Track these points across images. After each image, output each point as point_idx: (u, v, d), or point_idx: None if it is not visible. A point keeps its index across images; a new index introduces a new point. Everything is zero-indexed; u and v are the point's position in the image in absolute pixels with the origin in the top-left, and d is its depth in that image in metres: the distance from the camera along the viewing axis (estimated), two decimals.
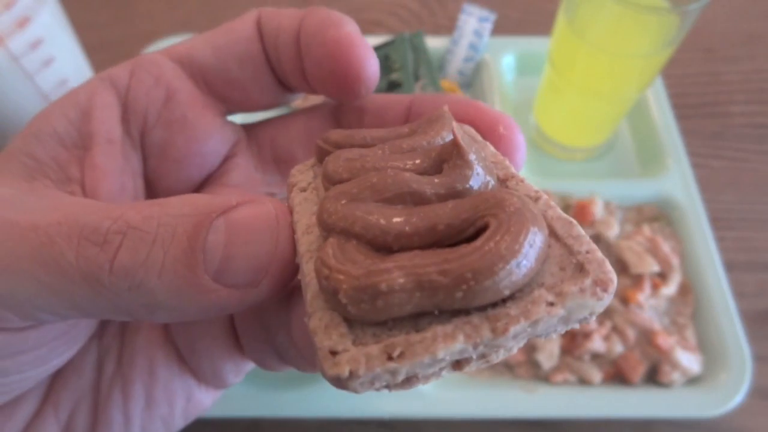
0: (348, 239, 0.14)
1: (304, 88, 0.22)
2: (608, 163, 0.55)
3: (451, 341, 0.13)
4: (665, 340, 0.41)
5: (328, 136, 0.18)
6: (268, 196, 0.17)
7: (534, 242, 0.13)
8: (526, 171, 0.52)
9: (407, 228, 0.14)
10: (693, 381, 0.42)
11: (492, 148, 0.19)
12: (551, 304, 0.13)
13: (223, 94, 0.22)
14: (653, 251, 0.45)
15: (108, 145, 0.20)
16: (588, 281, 0.14)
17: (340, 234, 0.14)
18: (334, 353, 0.13)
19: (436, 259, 0.13)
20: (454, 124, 0.18)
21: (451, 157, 0.16)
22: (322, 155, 0.19)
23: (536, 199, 0.16)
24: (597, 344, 0.41)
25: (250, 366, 0.22)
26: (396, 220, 0.14)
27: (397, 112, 0.21)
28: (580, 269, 0.14)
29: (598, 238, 0.47)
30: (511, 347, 0.14)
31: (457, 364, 0.15)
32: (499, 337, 0.13)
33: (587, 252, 0.14)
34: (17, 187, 0.18)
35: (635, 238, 0.46)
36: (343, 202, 0.15)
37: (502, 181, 0.17)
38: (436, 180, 0.15)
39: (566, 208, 0.49)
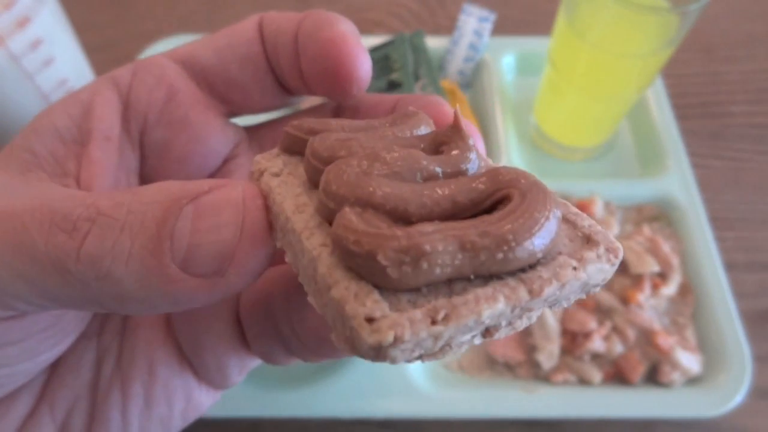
0: (364, 209, 0.14)
1: (302, 90, 0.22)
2: (608, 163, 0.55)
3: (494, 302, 0.13)
4: (665, 340, 0.41)
5: (301, 123, 0.18)
6: (243, 181, 0.16)
7: (556, 211, 0.14)
8: (527, 170, 0.52)
9: (427, 199, 0.14)
10: (693, 381, 0.42)
11: None
12: (575, 268, 0.14)
13: (224, 95, 0.22)
14: (653, 251, 0.45)
15: (105, 141, 0.20)
16: (602, 249, 0.15)
17: (355, 204, 0.14)
18: (371, 320, 0.13)
19: (472, 224, 0.14)
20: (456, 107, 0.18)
21: (450, 140, 0.16)
22: (292, 143, 0.18)
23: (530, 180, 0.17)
24: (597, 344, 0.41)
25: (254, 363, 0.22)
26: (415, 191, 0.14)
27: (384, 111, 0.21)
28: (588, 240, 0.15)
29: None
30: (534, 315, 0.15)
31: (488, 331, 0.15)
32: (535, 298, 0.14)
33: (590, 225, 0.15)
34: (10, 178, 0.18)
35: (635, 238, 0.46)
36: (353, 172, 0.14)
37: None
38: (443, 158, 0.15)
39: None
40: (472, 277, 0.14)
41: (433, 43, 0.59)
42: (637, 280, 0.44)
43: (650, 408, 0.40)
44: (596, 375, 0.41)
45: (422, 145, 0.16)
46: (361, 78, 0.20)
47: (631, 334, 0.42)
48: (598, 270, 0.15)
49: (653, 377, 0.42)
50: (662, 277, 0.45)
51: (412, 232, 0.13)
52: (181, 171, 0.22)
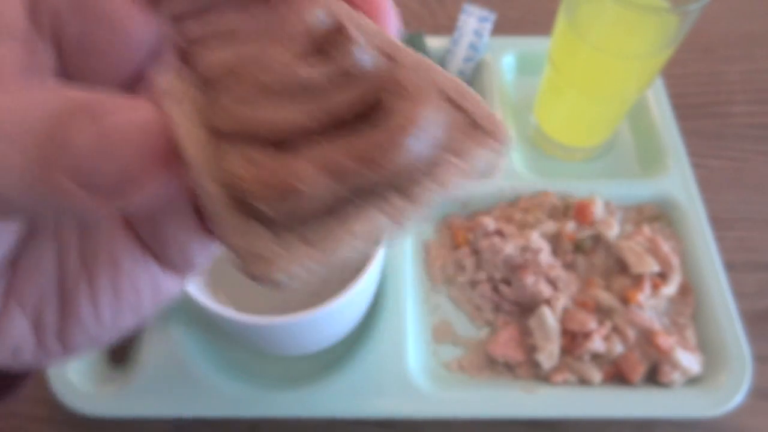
0: (247, 143, 0.14)
1: None
2: (608, 163, 0.55)
3: (373, 220, 0.14)
4: (665, 340, 0.41)
5: (186, 32, 0.17)
6: (147, 102, 0.15)
7: (437, 114, 0.14)
8: (526, 171, 0.52)
9: (306, 118, 0.14)
10: (693, 381, 0.42)
11: (368, 19, 0.18)
12: (458, 166, 0.14)
13: None
14: (653, 251, 0.45)
15: (10, 40, 0.18)
16: (483, 135, 0.14)
17: (236, 138, 0.14)
18: (256, 254, 0.14)
19: (346, 145, 0.14)
20: None
21: (334, 37, 0.15)
22: (184, 56, 0.17)
23: (424, 66, 0.16)
24: (597, 344, 0.41)
25: (218, 247, 0.21)
26: (292, 112, 0.14)
27: None
28: (475, 126, 0.14)
29: (598, 238, 0.47)
30: (426, 212, 0.15)
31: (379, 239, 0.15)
32: (416, 206, 0.14)
33: (479, 108, 0.15)
34: None
35: (635, 238, 0.46)
36: (232, 104, 0.14)
37: (387, 54, 0.16)
38: (323, 65, 0.15)
39: (566, 208, 0.49)
40: (353, 199, 0.14)
41: (433, 43, 0.59)
42: (637, 280, 0.44)
43: (650, 408, 0.40)
44: (596, 375, 0.41)
45: (307, 49, 0.15)
46: None
47: (631, 334, 0.42)
48: (486, 163, 0.14)
49: (653, 377, 0.42)
50: (662, 277, 0.45)
51: (283, 166, 0.13)
52: (107, 68, 0.20)
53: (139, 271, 0.20)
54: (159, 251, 0.20)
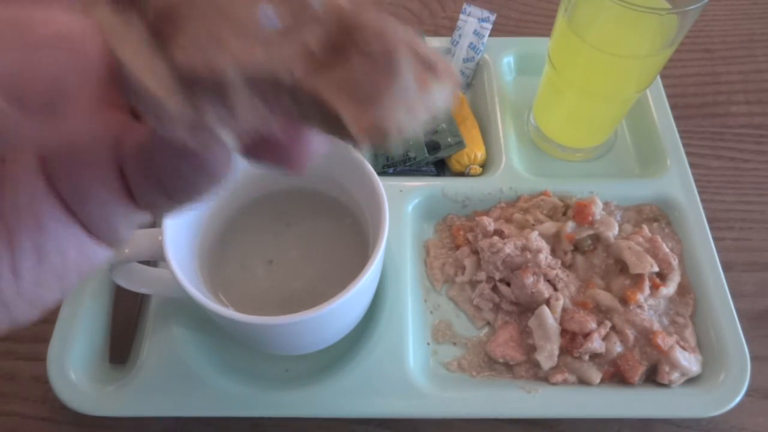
0: (225, 83, 0.14)
1: None
2: (608, 163, 0.55)
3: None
4: (664, 340, 0.42)
5: None
6: (80, 16, 0.14)
7: (401, 45, 0.15)
8: (526, 171, 0.52)
9: (281, 62, 0.14)
10: (692, 381, 0.42)
11: None
12: (424, 101, 0.15)
13: None
14: (653, 251, 0.45)
15: None
16: (441, 73, 0.15)
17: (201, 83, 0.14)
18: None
19: (337, 81, 0.14)
20: None
21: None
22: None
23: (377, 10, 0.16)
24: (596, 344, 0.41)
25: (143, 218, 0.20)
26: (267, 49, 0.14)
27: None
28: (429, 66, 0.15)
29: (597, 238, 0.47)
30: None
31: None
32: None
33: (429, 49, 0.16)
34: None
35: (635, 238, 0.46)
36: (191, 44, 0.14)
37: None
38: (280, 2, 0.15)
39: (566, 208, 0.49)
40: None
41: (433, 43, 0.59)
42: (637, 280, 0.44)
43: (650, 408, 0.40)
44: (596, 375, 0.41)
45: None
46: None
47: (630, 334, 0.42)
48: (442, 97, 0.15)
49: (652, 377, 0.42)
50: (661, 277, 0.45)
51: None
52: None
53: (64, 233, 0.18)
54: (83, 213, 0.19)
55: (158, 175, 0.18)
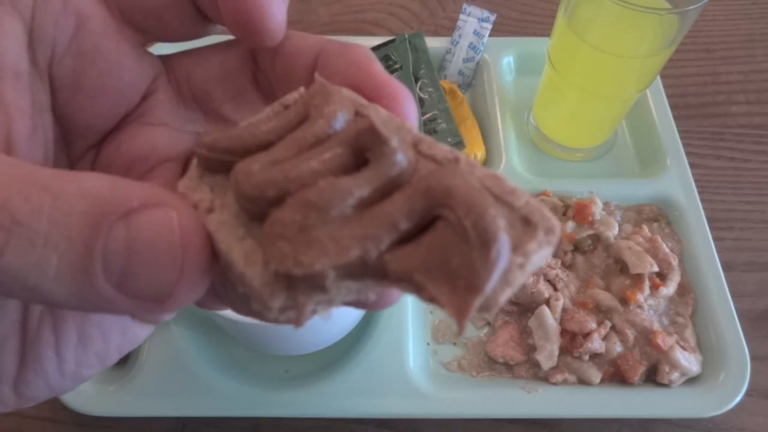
0: (322, 278, 0.14)
1: (221, 20, 0.20)
2: (608, 163, 0.55)
3: None
4: (664, 340, 0.42)
5: (212, 142, 0.17)
6: (175, 198, 0.15)
7: (494, 216, 0.14)
8: (526, 171, 0.52)
9: (373, 245, 0.14)
10: (692, 381, 0.42)
11: (383, 110, 0.17)
12: (521, 266, 0.14)
13: (139, 23, 0.20)
14: (653, 251, 0.45)
15: (15, 79, 0.17)
16: (540, 233, 0.14)
17: (310, 278, 0.14)
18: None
19: (434, 268, 0.14)
20: (362, 102, 0.17)
21: (371, 144, 0.15)
22: (210, 164, 0.17)
23: (457, 161, 0.16)
24: (596, 344, 0.41)
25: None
26: (357, 236, 0.14)
27: (306, 61, 0.20)
28: (527, 222, 0.14)
29: (598, 238, 0.47)
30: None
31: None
32: (493, 308, 0.14)
33: (526, 203, 0.14)
34: None
35: (635, 238, 0.46)
36: (290, 239, 0.14)
37: (414, 147, 0.16)
38: (368, 174, 0.15)
39: (566, 208, 0.49)
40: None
41: (433, 43, 0.59)
42: (637, 280, 0.44)
43: (649, 408, 0.40)
44: (596, 375, 0.41)
45: (345, 158, 0.15)
46: (273, 29, 0.18)
47: (630, 334, 0.42)
48: (540, 257, 0.14)
49: (652, 377, 0.42)
50: (661, 277, 0.45)
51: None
52: (95, 106, 0.20)
53: (108, 318, 0.19)
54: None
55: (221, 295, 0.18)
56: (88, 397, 0.40)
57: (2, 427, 0.43)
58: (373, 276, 0.14)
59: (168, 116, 0.21)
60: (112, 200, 0.14)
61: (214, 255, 0.15)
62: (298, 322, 0.14)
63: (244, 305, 0.16)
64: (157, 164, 0.20)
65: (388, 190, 0.15)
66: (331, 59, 0.19)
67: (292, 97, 0.18)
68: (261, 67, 0.21)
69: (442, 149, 0.16)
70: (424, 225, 0.14)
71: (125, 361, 0.43)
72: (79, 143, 0.20)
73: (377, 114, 0.17)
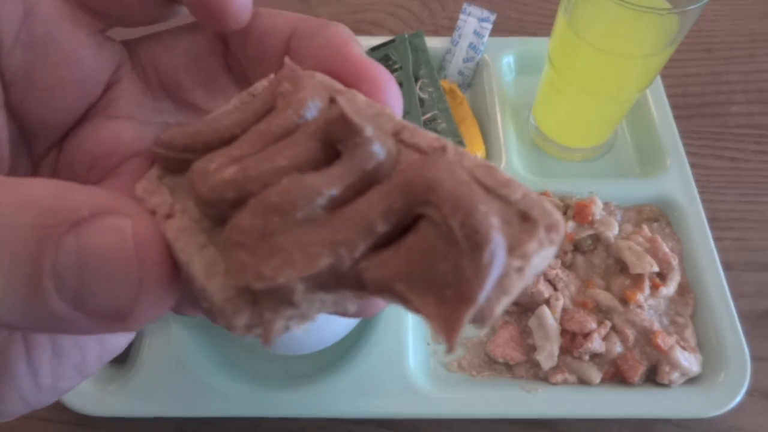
0: (289, 291, 0.12)
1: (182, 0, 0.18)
2: (608, 164, 0.55)
3: None
4: (665, 340, 0.42)
5: (169, 140, 0.15)
6: (130, 204, 0.14)
7: (486, 213, 0.12)
8: (526, 171, 0.52)
9: (346, 251, 0.12)
10: (692, 381, 0.42)
11: (361, 96, 0.16)
12: (520, 269, 0.12)
13: (97, 7, 0.18)
14: (653, 251, 0.45)
15: None
16: (541, 231, 0.12)
17: (268, 294, 0.12)
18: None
19: (420, 274, 0.12)
20: (333, 85, 0.15)
21: (343, 135, 0.13)
22: (167, 163, 0.15)
23: (444, 149, 0.14)
24: (596, 344, 0.41)
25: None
26: (328, 242, 0.12)
27: (278, 42, 0.18)
28: (525, 219, 0.12)
29: (597, 239, 0.47)
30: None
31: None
32: (488, 319, 0.12)
33: (524, 196, 0.13)
34: None
35: (635, 238, 0.46)
36: (251, 247, 0.12)
37: (395, 136, 0.14)
38: (340, 169, 0.13)
39: (566, 208, 0.49)
40: None
41: (433, 43, 0.59)
42: (637, 280, 0.44)
43: (650, 408, 0.40)
44: (596, 375, 0.41)
45: (315, 152, 0.14)
46: (235, 10, 0.17)
47: (630, 334, 0.42)
48: (542, 259, 0.12)
49: (652, 377, 0.42)
50: (661, 277, 0.45)
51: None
52: (53, 101, 0.18)
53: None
54: None
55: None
56: (88, 397, 0.40)
57: (2, 427, 0.43)
58: (350, 286, 0.12)
59: (134, 107, 0.19)
60: (60, 210, 0.12)
61: (176, 265, 0.14)
62: (266, 340, 0.12)
63: (214, 319, 0.14)
64: (123, 160, 0.18)
65: (363, 186, 0.13)
66: (304, 40, 0.18)
67: (261, 84, 0.16)
68: (232, 50, 0.19)
69: (427, 137, 0.14)
70: (405, 226, 0.13)
71: (125, 361, 0.43)
72: (40, 141, 0.19)
73: (353, 101, 0.15)
